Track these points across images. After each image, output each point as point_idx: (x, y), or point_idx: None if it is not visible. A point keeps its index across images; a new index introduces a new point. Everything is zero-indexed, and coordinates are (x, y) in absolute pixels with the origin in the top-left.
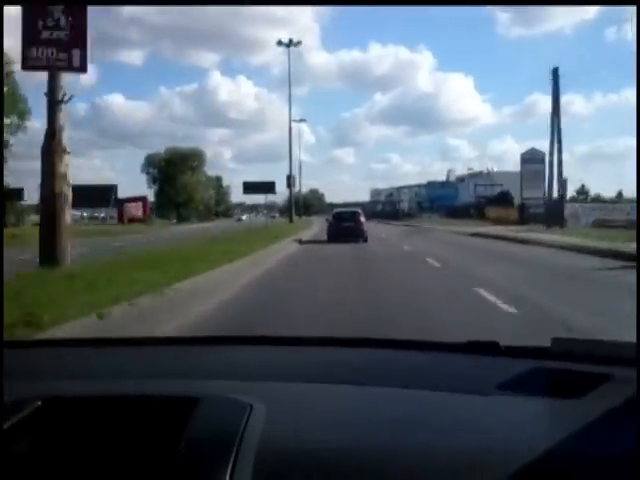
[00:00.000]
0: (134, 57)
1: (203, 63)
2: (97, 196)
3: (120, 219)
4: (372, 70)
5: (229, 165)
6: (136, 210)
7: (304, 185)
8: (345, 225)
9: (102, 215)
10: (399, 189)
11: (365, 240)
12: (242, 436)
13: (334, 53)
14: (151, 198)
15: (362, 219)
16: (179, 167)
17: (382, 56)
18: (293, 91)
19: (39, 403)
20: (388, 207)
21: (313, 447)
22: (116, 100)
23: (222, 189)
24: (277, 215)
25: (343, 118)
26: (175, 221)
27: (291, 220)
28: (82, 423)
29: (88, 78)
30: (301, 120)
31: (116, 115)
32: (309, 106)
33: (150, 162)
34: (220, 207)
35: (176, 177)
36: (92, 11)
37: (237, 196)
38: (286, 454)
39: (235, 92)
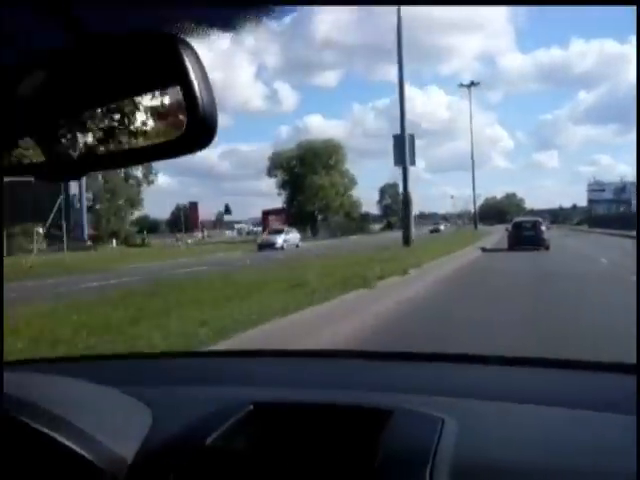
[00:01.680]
0: (329, 78)
1: (393, 77)
2: None
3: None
4: (574, 68)
5: (424, 176)
6: (279, 223)
7: (500, 191)
8: (525, 234)
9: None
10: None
11: (547, 248)
12: (436, 450)
13: (530, 54)
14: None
15: (543, 228)
16: (311, 166)
17: (585, 52)
18: (486, 97)
19: (251, 407)
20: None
21: (506, 465)
22: (315, 120)
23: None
24: (461, 223)
25: (543, 120)
26: (310, 235)
27: (475, 227)
28: (286, 427)
29: (291, 102)
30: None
31: (315, 134)
32: (504, 111)
33: (276, 162)
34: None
35: (307, 179)
36: (288, 40)
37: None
38: (478, 470)
39: (427, 102)
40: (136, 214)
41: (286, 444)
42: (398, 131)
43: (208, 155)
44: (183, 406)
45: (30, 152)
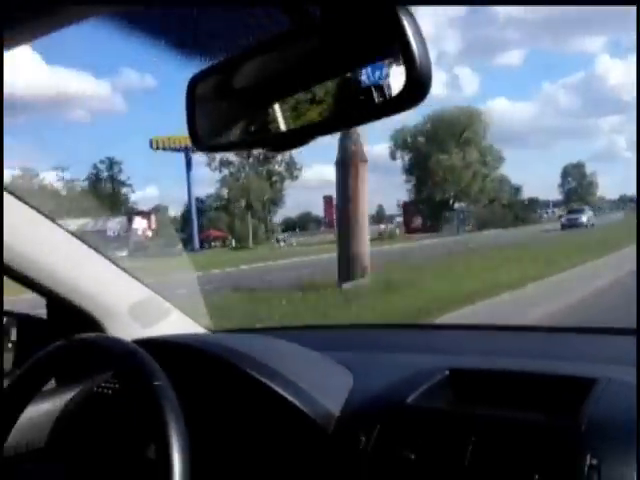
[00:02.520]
0: (513, 57)
1: (588, 48)
2: None
3: (408, 229)
4: None
5: (624, 154)
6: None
7: None
8: None
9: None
10: None
11: None
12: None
13: None
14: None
15: None
16: (441, 142)
17: None
18: None
19: (447, 373)
20: None
21: None
22: (499, 104)
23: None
24: None
25: None
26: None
27: None
28: (482, 394)
29: (472, 87)
30: None
31: (501, 119)
32: None
33: (398, 141)
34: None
35: (432, 159)
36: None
37: None
38: None
39: (628, 73)
40: (279, 212)
41: (482, 408)
42: (597, 106)
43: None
44: (382, 370)
45: (260, 123)
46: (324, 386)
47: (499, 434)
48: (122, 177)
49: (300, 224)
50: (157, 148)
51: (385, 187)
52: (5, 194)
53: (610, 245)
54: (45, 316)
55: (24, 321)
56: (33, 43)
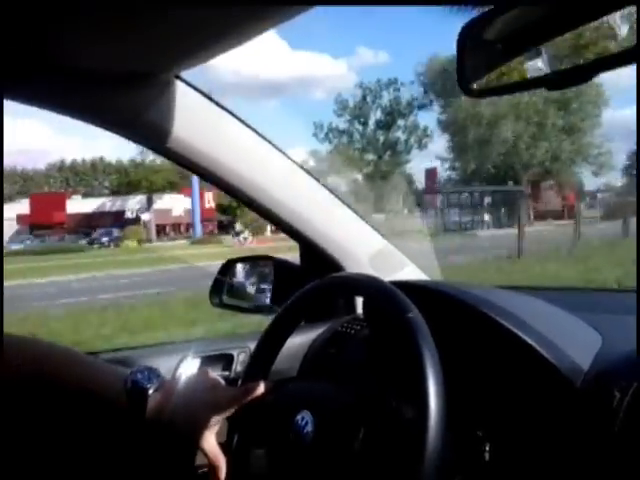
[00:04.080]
0: None
1: None
2: None
3: None
4: None
5: None
6: None
7: None
8: None
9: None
10: None
11: None
12: None
13: None
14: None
15: None
16: None
17: None
18: None
19: None
20: None
21: None
22: None
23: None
24: None
25: None
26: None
27: None
28: None
29: None
30: None
31: None
32: None
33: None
34: None
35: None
36: None
37: None
38: None
39: None
40: None
41: None
42: None
43: None
44: (631, 332)
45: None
46: (572, 342)
47: None
48: None
49: None
50: None
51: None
52: (269, 147)
53: None
54: (298, 262)
55: (280, 265)
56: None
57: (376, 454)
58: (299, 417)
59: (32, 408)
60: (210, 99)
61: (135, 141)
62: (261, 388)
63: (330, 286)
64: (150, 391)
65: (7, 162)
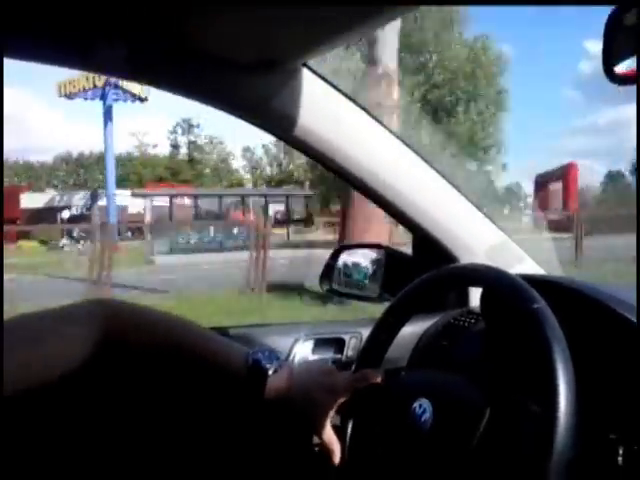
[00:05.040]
0: None
1: None
2: None
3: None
4: None
5: None
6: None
7: None
8: None
9: None
10: None
11: None
12: None
13: None
14: None
15: None
16: None
17: None
18: None
19: None
20: None
21: None
22: None
23: None
24: None
25: None
26: None
27: None
28: None
29: None
30: None
31: None
32: None
33: None
34: None
35: None
36: None
37: None
38: None
39: None
40: None
41: None
42: None
43: None
44: None
45: None
46: None
47: None
48: None
49: None
50: None
51: None
52: (389, 135)
53: None
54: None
55: (392, 253)
56: None
57: (497, 447)
58: (417, 404)
59: (156, 374)
60: (335, 88)
61: (261, 127)
62: (377, 375)
63: (449, 276)
64: (270, 372)
65: None
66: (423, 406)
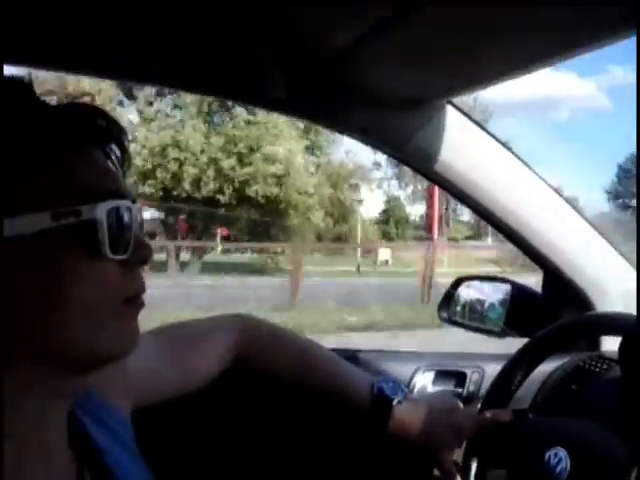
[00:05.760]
0: None
1: None
2: None
3: None
4: None
5: None
6: None
7: None
8: None
9: None
10: None
11: None
12: None
13: None
14: None
15: None
16: None
17: None
18: None
19: None
20: None
21: None
22: None
23: None
24: None
25: None
26: None
27: None
28: None
29: None
30: None
31: None
32: None
33: None
34: None
35: None
36: None
37: None
38: None
39: None
40: None
41: None
42: None
43: None
44: None
45: None
46: None
47: None
48: None
49: None
50: None
51: None
52: (528, 171)
53: None
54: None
55: (519, 289)
56: None
57: None
58: (552, 453)
59: (285, 393)
60: (479, 125)
61: (404, 162)
62: (506, 417)
63: (589, 324)
64: (394, 402)
65: None
66: (559, 455)
